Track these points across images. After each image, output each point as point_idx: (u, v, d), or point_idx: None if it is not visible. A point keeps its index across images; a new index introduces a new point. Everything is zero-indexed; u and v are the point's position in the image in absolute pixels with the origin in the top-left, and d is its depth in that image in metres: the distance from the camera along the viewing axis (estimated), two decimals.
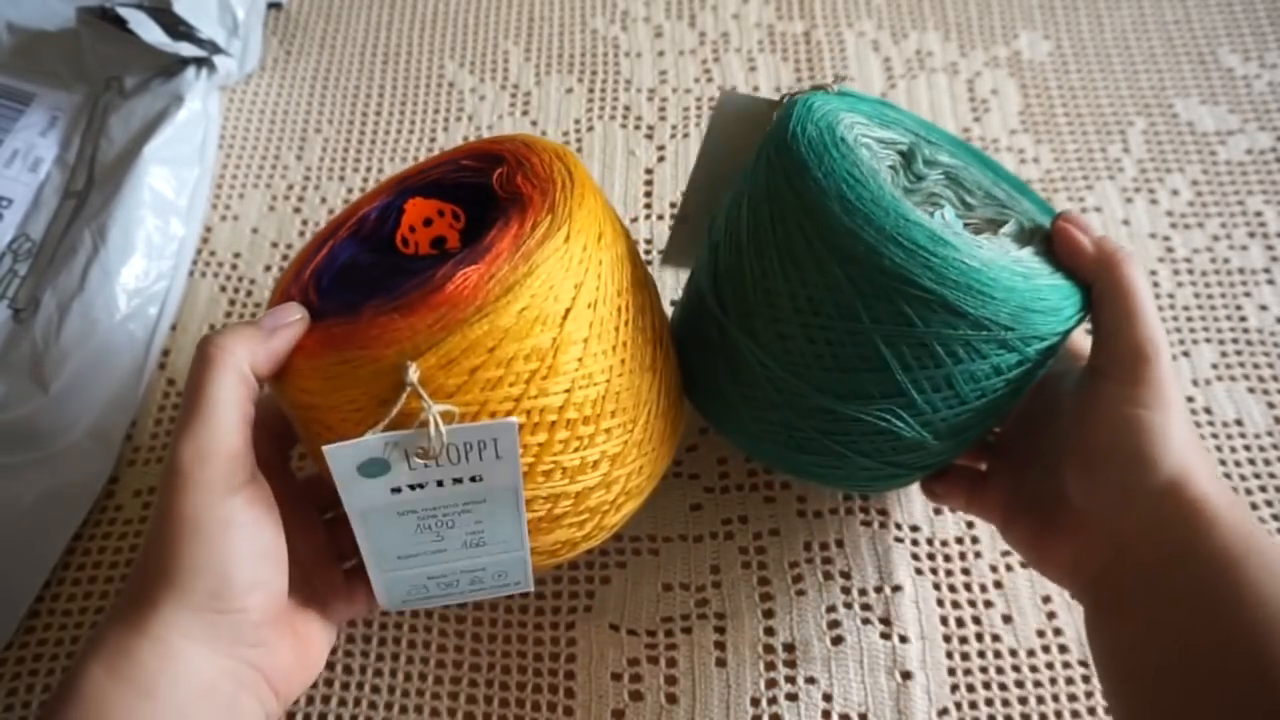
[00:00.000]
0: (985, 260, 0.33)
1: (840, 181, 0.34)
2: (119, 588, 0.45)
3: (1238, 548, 0.31)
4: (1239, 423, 0.49)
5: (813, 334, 0.35)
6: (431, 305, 0.31)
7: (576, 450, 0.34)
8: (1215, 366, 0.51)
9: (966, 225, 0.38)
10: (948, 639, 0.43)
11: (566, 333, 0.32)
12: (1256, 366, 0.51)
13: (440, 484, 0.33)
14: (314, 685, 0.42)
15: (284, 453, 0.39)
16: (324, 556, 0.37)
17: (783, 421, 0.37)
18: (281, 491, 0.33)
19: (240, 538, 0.31)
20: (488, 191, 0.36)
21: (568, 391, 0.33)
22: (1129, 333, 0.34)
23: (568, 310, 0.32)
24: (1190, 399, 0.50)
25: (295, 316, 0.33)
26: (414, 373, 0.30)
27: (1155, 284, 0.54)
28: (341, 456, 0.31)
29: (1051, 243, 0.37)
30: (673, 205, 0.57)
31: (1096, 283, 0.36)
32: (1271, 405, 0.50)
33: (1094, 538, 0.35)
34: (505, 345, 0.31)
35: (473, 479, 0.32)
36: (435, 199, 0.38)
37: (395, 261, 0.37)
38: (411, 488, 0.32)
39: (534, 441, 0.33)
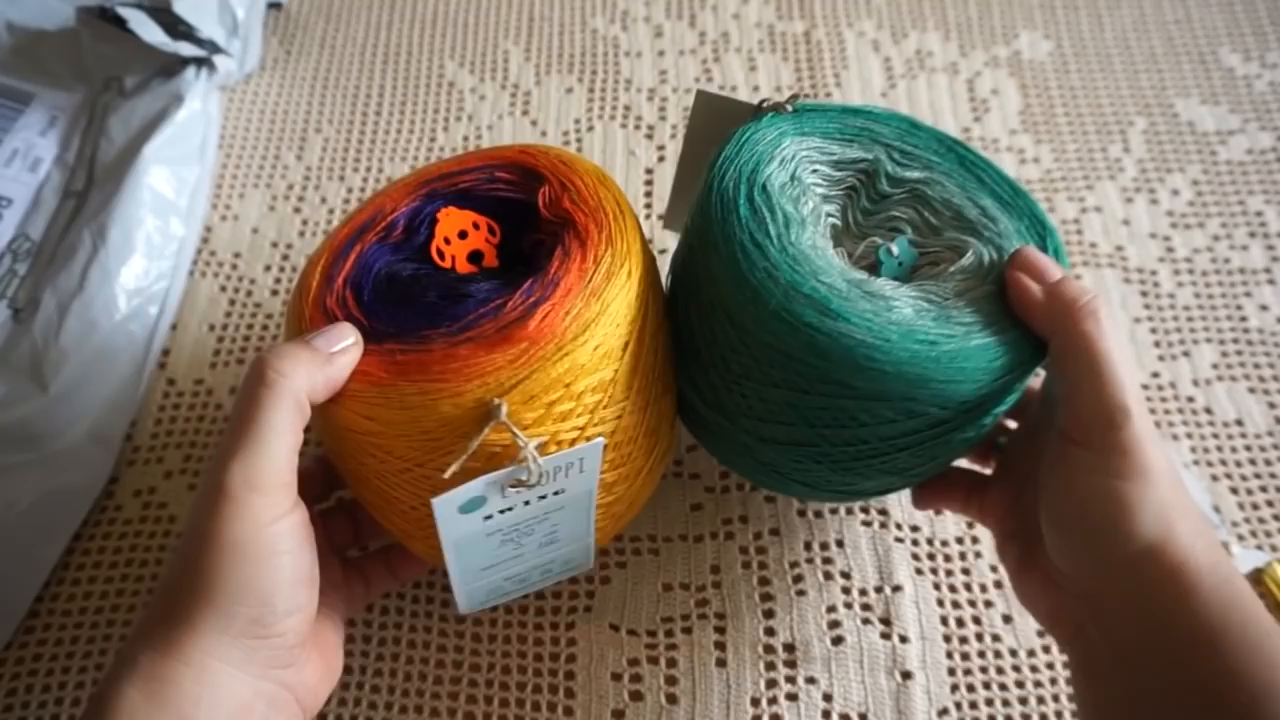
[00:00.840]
0: (879, 332, 0.31)
1: (736, 248, 0.33)
2: (119, 588, 0.45)
3: (1216, 622, 0.29)
4: (1239, 423, 0.49)
5: (730, 386, 0.36)
6: (513, 340, 0.31)
7: (618, 468, 0.36)
8: (1215, 366, 0.51)
9: (924, 255, 0.36)
10: (948, 639, 0.43)
11: (624, 365, 0.34)
12: (1257, 366, 0.51)
13: (527, 503, 0.34)
14: None
15: None
16: (324, 553, 0.37)
17: (739, 443, 0.38)
18: None
19: (283, 565, 0.30)
20: (524, 208, 0.37)
21: (619, 419, 0.34)
22: (1092, 397, 0.31)
23: (626, 344, 0.34)
24: (1190, 399, 0.50)
25: (351, 340, 0.32)
26: (506, 411, 0.31)
27: (1155, 284, 0.54)
28: (448, 502, 0.32)
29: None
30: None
31: (1052, 339, 0.33)
32: (1271, 405, 0.50)
33: (1070, 596, 0.33)
34: (579, 380, 0.32)
35: (555, 493, 0.34)
36: (468, 209, 0.37)
37: (441, 279, 0.36)
38: (501, 512, 0.34)
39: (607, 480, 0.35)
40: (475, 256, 0.37)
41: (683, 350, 0.38)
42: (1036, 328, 0.33)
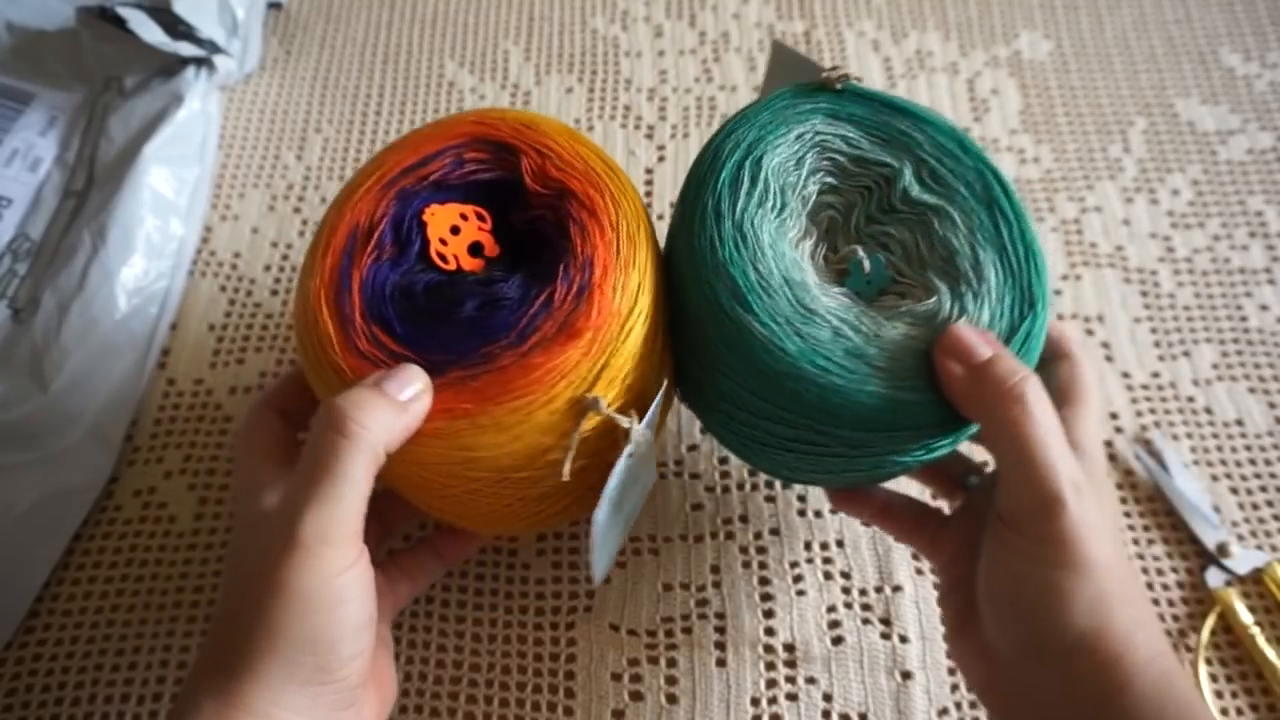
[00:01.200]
0: (780, 339, 0.32)
1: (700, 209, 0.34)
2: (119, 588, 0.45)
3: (1148, 717, 0.29)
4: (1239, 423, 0.49)
5: (704, 377, 0.36)
6: (579, 332, 0.32)
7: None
8: (1215, 366, 0.51)
9: (898, 282, 0.35)
10: (948, 639, 0.43)
11: (656, 315, 0.34)
12: (1257, 366, 0.51)
13: (629, 469, 0.34)
14: None
15: None
16: None
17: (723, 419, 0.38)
18: None
19: (349, 613, 0.30)
20: (506, 185, 0.35)
21: (654, 363, 0.35)
22: (1023, 486, 0.30)
23: (655, 295, 0.34)
24: (1190, 399, 0.50)
25: (422, 385, 0.31)
26: (605, 404, 0.32)
27: (1156, 284, 0.54)
28: (602, 512, 0.33)
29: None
30: (673, 205, 0.57)
31: (982, 423, 0.31)
32: (1272, 405, 0.50)
33: (1004, 672, 0.32)
34: (640, 346, 0.33)
35: (647, 447, 0.34)
36: (450, 201, 0.36)
37: (462, 287, 0.34)
38: (615, 487, 0.34)
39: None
40: (475, 248, 0.36)
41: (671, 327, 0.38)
42: (963, 412, 0.32)
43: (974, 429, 0.34)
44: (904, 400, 0.32)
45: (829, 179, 0.36)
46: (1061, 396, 0.35)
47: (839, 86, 0.36)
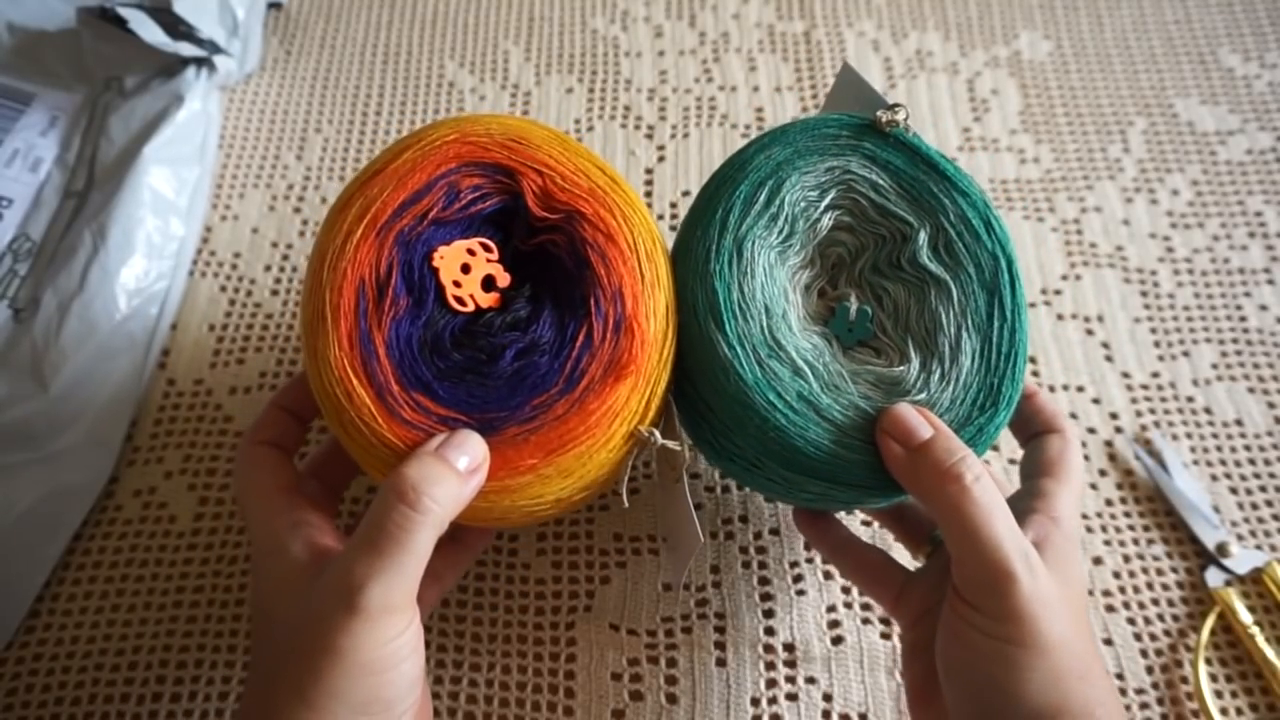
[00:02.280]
0: (742, 368, 0.33)
1: (707, 213, 0.34)
2: (119, 588, 0.45)
3: None
4: (1239, 423, 0.49)
5: (683, 368, 0.36)
6: (624, 370, 0.32)
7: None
8: (1215, 366, 0.51)
9: (876, 337, 0.35)
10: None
11: (670, 344, 0.35)
12: (1256, 366, 0.51)
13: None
14: None
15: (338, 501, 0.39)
16: None
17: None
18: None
19: (405, 671, 0.30)
20: (508, 209, 0.34)
21: (668, 389, 0.35)
22: (972, 564, 0.30)
23: (667, 325, 0.34)
24: (1190, 399, 0.50)
25: (483, 455, 0.31)
26: (659, 439, 0.33)
27: (1155, 284, 0.54)
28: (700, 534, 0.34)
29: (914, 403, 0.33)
30: (673, 205, 0.57)
31: (925, 502, 0.32)
32: (1271, 405, 0.50)
33: None
34: (671, 378, 0.34)
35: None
36: (456, 239, 0.34)
37: (482, 328, 0.33)
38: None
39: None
40: (487, 282, 0.34)
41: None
42: (907, 490, 0.32)
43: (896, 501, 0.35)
44: (840, 456, 0.33)
45: (846, 218, 0.36)
46: (1048, 469, 0.36)
47: (887, 130, 0.36)
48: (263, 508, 0.34)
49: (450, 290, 0.33)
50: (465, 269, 0.34)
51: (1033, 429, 0.38)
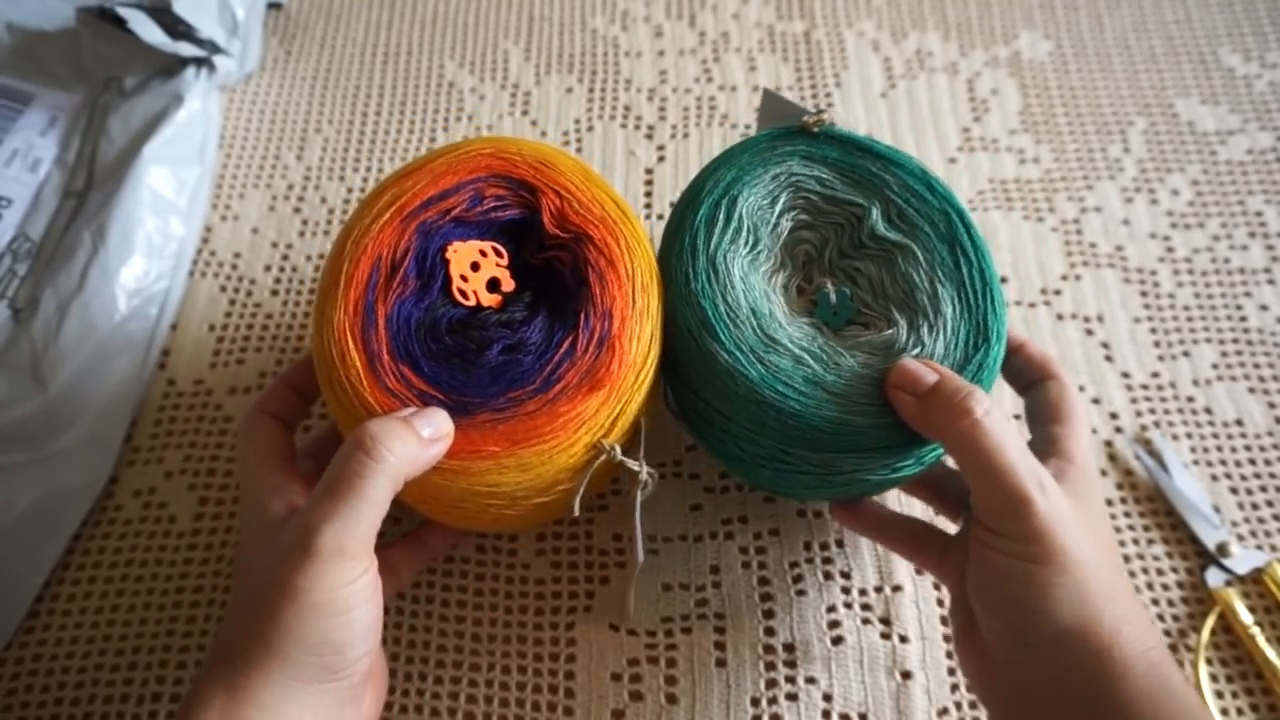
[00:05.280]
0: (744, 366, 0.34)
1: (677, 246, 0.36)
2: (119, 588, 0.45)
3: (1145, 711, 0.29)
4: (1239, 423, 0.49)
5: (688, 397, 0.38)
6: (599, 384, 0.34)
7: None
8: (1215, 366, 0.51)
9: (862, 313, 0.37)
10: (948, 639, 0.43)
11: (657, 351, 0.36)
12: (1257, 366, 0.51)
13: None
14: None
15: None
16: None
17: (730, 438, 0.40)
18: None
19: (359, 617, 0.31)
20: (523, 222, 0.37)
21: (638, 413, 0.37)
22: (990, 492, 0.32)
23: (654, 335, 0.36)
24: (1190, 399, 0.50)
25: (447, 431, 0.33)
26: (619, 452, 0.34)
27: (1156, 284, 0.54)
28: (641, 553, 0.36)
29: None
30: (673, 205, 0.57)
31: (940, 441, 0.33)
32: (1271, 405, 0.50)
33: (1002, 669, 0.33)
34: (647, 387, 0.35)
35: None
36: (472, 238, 0.37)
37: (485, 330, 0.35)
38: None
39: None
40: (492, 284, 0.37)
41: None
42: (925, 435, 0.34)
43: (936, 451, 0.36)
44: (856, 424, 0.34)
45: (803, 216, 0.38)
46: (1053, 414, 0.37)
47: (816, 131, 0.39)
48: (255, 468, 0.37)
49: (456, 282, 0.36)
50: (475, 267, 0.36)
51: (1028, 378, 0.40)
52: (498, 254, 0.37)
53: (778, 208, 0.37)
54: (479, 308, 0.36)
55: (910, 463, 0.36)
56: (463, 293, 0.36)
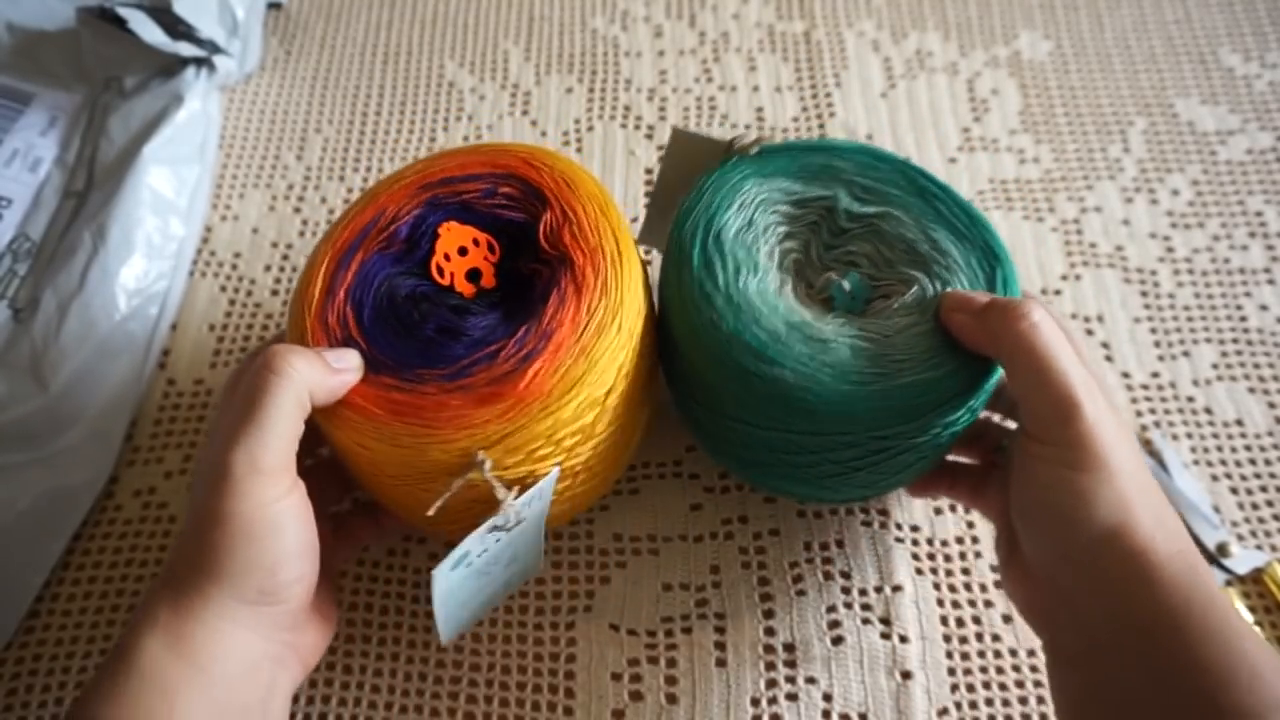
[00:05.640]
0: (812, 374, 0.34)
1: (689, 297, 0.36)
2: (119, 587, 0.45)
3: (1178, 610, 0.30)
4: (1239, 423, 0.49)
5: (706, 410, 0.39)
6: (502, 396, 0.33)
7: (579, 481, 0.38)
8: (1215, 366, 0.51)
9: (877, 287, 0.38)
10: (948, 639, 0.43)
11: (606, 407, 0.36)
12: (1257, 366, 0.51)
13: (498, 540, 0.36)
14: (314, 685, 0.42)
15: None
16: (316, 515, 0.37)
17: (725, 452, 0.41)
18: None
19: (286, 540, 0.32)
20: (523, 228, 0.37)
21: (595, 448, 0.37)
22: (1040, 395, 0.33)
23: (609, 390, 0.35)
24: (1190, 399, 0.50)
25: (356, 364, 0.34)
26: (489, 467, 0.33)
27: (1156, 284, 0.54)
28: (443, 572, 0.34)
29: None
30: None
31: (997, 352, 0.34)
32: (1271, 405, 0.50)
33: (1043, 585, 0.34)
34: (560, 430, 0.34)
35: (519, 523, 0.36)
36: (470, 224, 0.37)
37: (439, 306, 0.36)
38: (479, 555, 0.36)
39: (561, 486, 0.37)
40: (473, 274, 0.37)
41: (673, 369, 0.41)
42: (984, 352, 0.35)
43: (991, 383, 0.36)
44: (934, 378, 0.35)
45: (781, 227, 0.39)
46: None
47: (755, 151, 0.39)
48: (224, 409, 0.37)
49: (438, 257, 0.37)
50: (463, 252, 0.37)
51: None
52: (490, 249, 0.37)
53: (758, 228, 0.38)
54: (450, 290, 0.37)
55: (980, 402, 0.37)
56: (439, 270, 0.37)
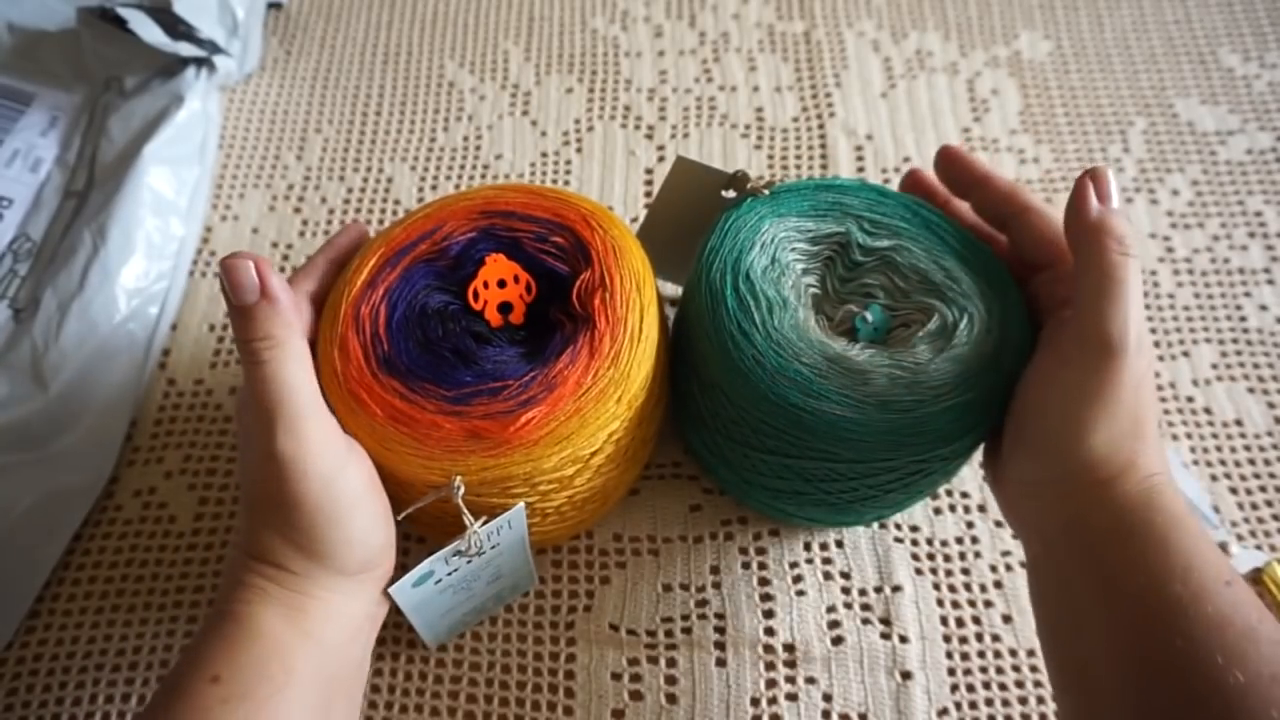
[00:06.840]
0: (857, 406, 0.35)
1: (727, 338, 0.37)
2: (119, 588, 0.45)
3: (1127, 519, 0.32)
4: (1239, 423, 0.49)
5: (732, 447, 0.40)
6: (490, 434, 0.34)
7: (554, 520, 0.40)
8: (1215, 366, 0.51)
9: (895, 316, 0.38)
10: (948, 639, 0.43)
11: (589, 465, 0.37)
12: (1256, 366, 0.51)
13: (469, 562, 0.37)
14: None
15: None
16: None
17: (746, 487, 0.43)
18: None
19: (366, 511, 0.34)
20: (563, 279, 0.38)
21: (570, 498, 0.39)
22: (1099, 315, 0.32)
23: (595, 451, 0.36)
24: (1190, 399, 0.50)
25: (282, 284, 0.34)
26: (461, 492, 0.34)
27: (1155, 284, 0.54)
28: (401, 587, 0.36)
29: (974, 331, 0.37)
30: None
31: (1079, 255, 0.34)
32: (1271, 405, 0.50)
33: (1025, 497, 0.36)
34: (538, 477, 0.36)
35: (492, 548, 0.37)
36: (515, 261, 0.38)
37: (462, 329, 0.37)
38: (449, 575, 0.37)
39: (531, 522, 0.39)
40: (505, 307, 0.38)
41: (687, 411, 0.42)
42: (1070, 236, 0.34)
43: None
44: (967, 401, 0.36)
45: (800, 264, 0.40)
46: (1054, 252, 0.37)
47: (767, 192, 0.40)
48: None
49: (477, 283, 0.38)
50: (501, 284, 0.38)
51: (998, 215, 0.40)
52: (528, 288, 0.38)
53: (781, 266, 0.39)
54: (479, 316, 0.38)
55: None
56: (476, 294, 0.38)
